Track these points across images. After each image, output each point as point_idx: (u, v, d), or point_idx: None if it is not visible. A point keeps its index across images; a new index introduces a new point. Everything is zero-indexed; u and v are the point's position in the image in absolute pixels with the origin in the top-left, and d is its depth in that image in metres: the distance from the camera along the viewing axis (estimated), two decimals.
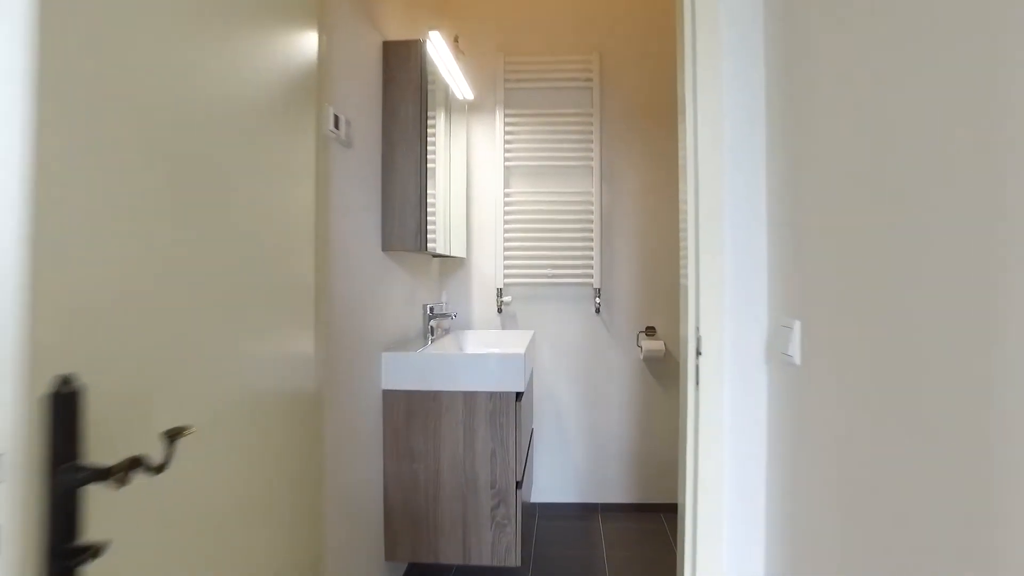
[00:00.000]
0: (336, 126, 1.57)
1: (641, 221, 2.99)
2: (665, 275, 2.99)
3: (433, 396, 2.00)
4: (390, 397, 2.01)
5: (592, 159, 2.98)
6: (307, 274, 1.23)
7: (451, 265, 3.04)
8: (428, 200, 2.08)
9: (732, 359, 1.32)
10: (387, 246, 2.03)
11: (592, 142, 2.98)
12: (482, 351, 2.55)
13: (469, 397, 2.00)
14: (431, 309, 2.41)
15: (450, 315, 2.45)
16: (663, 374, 3.00)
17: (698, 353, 1.32)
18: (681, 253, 1.41)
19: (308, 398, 1.23)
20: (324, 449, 1.43)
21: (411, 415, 2.01)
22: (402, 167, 2.03)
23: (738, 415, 1.34)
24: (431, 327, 2.40)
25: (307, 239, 1.22)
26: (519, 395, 2.03)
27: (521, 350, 2.09)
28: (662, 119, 2.99)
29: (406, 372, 2.00)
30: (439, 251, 2.43)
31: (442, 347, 2.41)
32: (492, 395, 2.01)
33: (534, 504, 3.03)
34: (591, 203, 2.97)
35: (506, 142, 3.00)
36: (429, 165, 2.24)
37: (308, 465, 1.22)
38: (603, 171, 3.00)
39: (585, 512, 3.01)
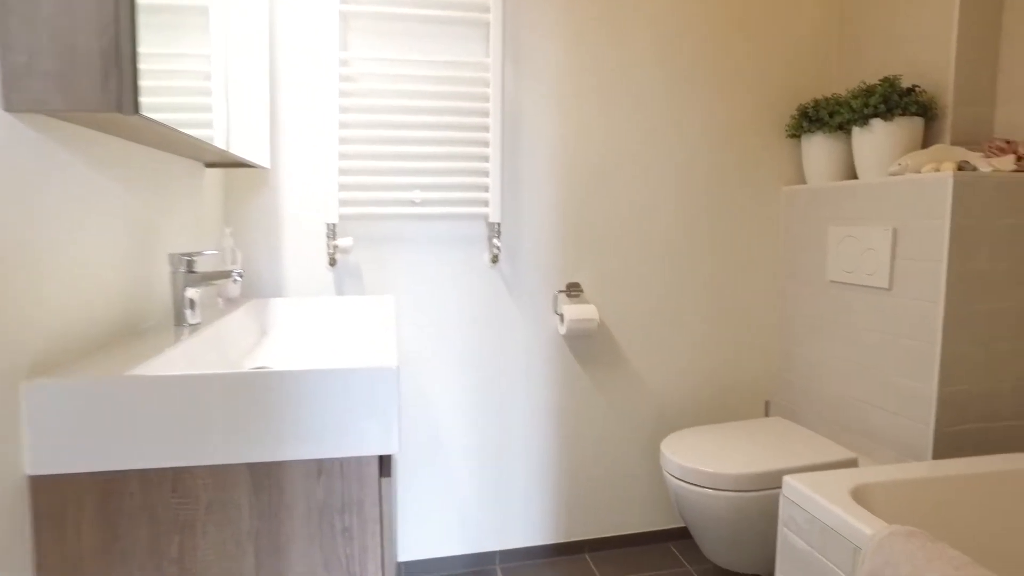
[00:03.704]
0: None
1: (567, 122, 1.91)
2: (600, 205, 1.96)
3: (173, 479, 0.81)
4: (52, 491, 0.79)
5: (488, 12, 1.82)
6: None
7: (243, 182, 1.76)
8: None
9: None
10: (16, 100, 0.75)
11: None
12: (295, 365, 1.39)
13: (265, 476, 0.84)
14: (189, 263, 1.17)
15: (232, 275, 1.22)
16: (593, 356, 2.00)
17: None
18: None
19: None
20: None
21: (117, 529, 0.80)
22: None
23: None
24: (190, 300, 1.16)
25: None
26: (385, 462, 0.90)
27: (390, 355, 0.95)
28: None
29: (94, 426, 0.78)
30: (215, 145, 1.18)
31: (214, 341, 1.18)
32: (323, 467, 0.86)
33: (399, 565, 1.94)
34: (486, 86, 1.83)
35: None
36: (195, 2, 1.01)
37: None
38: (507, 35, 1.86)
39: (478, 566, 1.99)
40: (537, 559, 2.02)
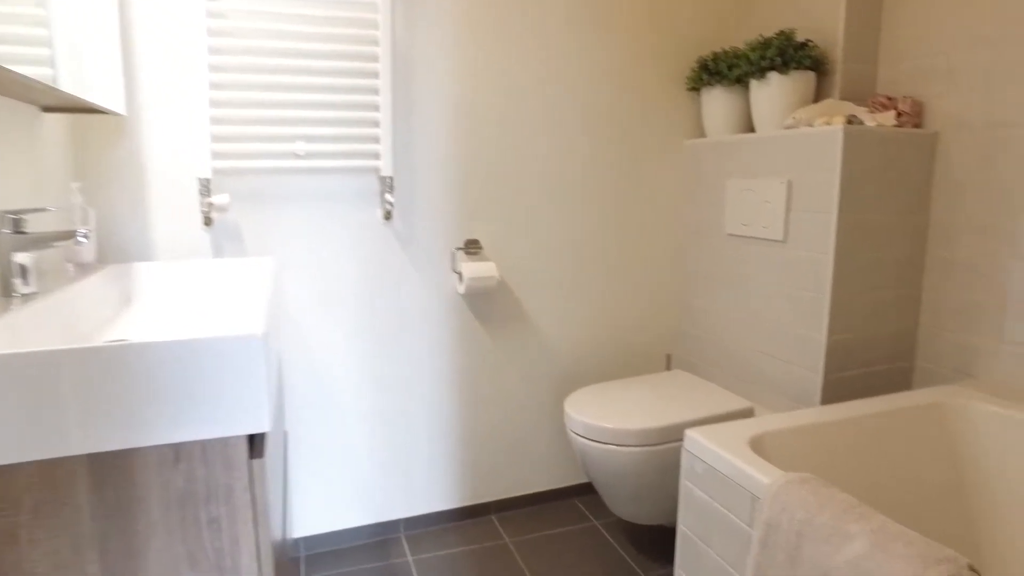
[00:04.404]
0: None
1: (463, 70, 1.80)
2: (499, 159, 1.87)
3: None
4: None
5: None
6: None
7: (96, 132, 1.54)
8: None
9: None
10: None
11: None
12: (155, 336, 1.24)
13: (109, 468, 0.72)
14: (16, 223, 0.99)
15: (76, 236, 1.05)
16: (494, 315, 1.94)
17: None
18: None
19: None
20: None
21: None
22: None
23: None
24: (20, 266, 0.99)
25: None
26: (257, 441, 0.80)
27: (257, 322, 0.84)
28: None
29: None
30: (42, 82, 0.99)
31: (55, 313, 1.02)
32: (181, 452, 0.75)
33: (297, 542, 1.84)
34: (375, 28, 1.68)
35: None
36: None
37: None
38: None
39: (382, 535, 1.92)
40: (443, 524, 1.98)
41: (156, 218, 1.60)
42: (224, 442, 0.77)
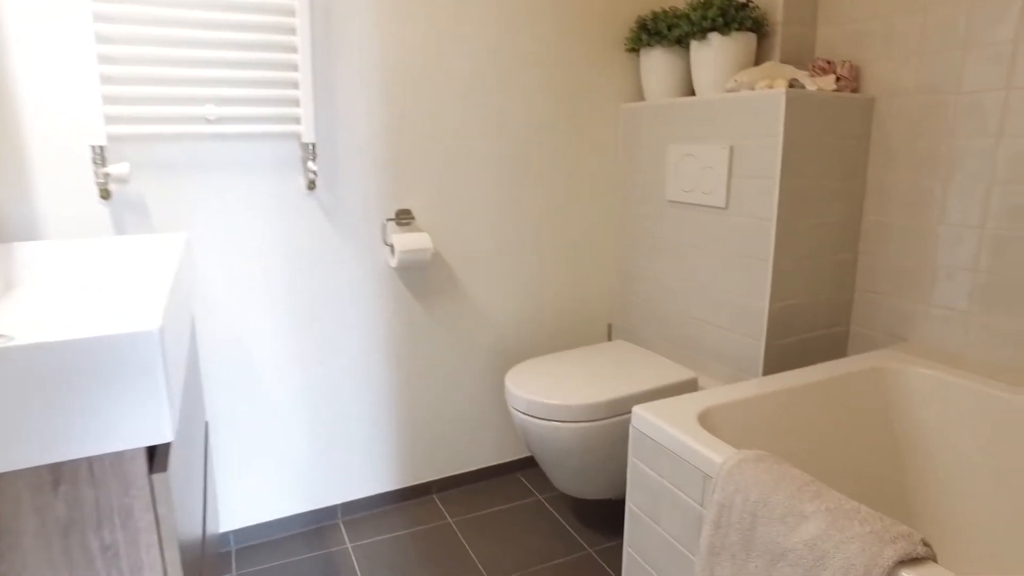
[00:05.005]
0: None
1: (389, 27, 1.65)
2: (430, 122, 1.75)
3: None
4: None
5: None
6: None
7: None
8: None
9: None
10: None
11: None
12: (40, 331, 1.09)
13: None
14: None
15: None
16: (429, 288, 1.84)
17: None
18: None
19: None
20: None
21: None
22: None
23: None
24: None
25: None
26: (160, 452, 0.69)
27: (152, 315, 0.72)
28: None
29: None
30: None
31: None
32: (61, 474, 0.63)
33: (226, 536, 1.72)
34: None
35: None
36: None
37: None
38: None
39: (319, 523, 1.82)
40: (383, 506, 1.90)
41: (41, 191, 1.41)
42: (118, 457, 0.66)
